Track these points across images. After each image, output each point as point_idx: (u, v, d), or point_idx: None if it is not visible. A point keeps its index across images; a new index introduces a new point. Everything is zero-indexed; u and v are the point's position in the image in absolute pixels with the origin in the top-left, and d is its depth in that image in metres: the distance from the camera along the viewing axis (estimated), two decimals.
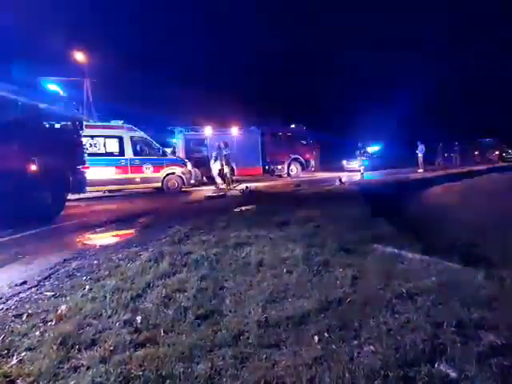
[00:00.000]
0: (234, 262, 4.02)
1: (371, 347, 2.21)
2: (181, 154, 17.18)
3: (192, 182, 14.50)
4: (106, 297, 3.10)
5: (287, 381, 1.96)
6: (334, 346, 2.25)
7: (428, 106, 37.25)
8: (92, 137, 12.48)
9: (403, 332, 2.36)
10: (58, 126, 8.32)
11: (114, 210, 9.33)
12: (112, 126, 13.57)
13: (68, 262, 4.42)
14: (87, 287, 3.40)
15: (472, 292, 2.91)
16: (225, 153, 14.02)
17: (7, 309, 3.06)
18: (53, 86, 9.47)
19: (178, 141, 18.08)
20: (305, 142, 20.85)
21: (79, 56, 24.56)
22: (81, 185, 8.63)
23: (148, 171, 13.48)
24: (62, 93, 9.43)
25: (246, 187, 12.74)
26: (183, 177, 14.03)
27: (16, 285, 3.64)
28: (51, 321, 2.75)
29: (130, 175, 13.17)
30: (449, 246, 4.77)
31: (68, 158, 8.09)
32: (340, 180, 14.34)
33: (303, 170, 20.72)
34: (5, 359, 2.27)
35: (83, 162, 8.87)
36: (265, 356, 2.19)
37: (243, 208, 8.00)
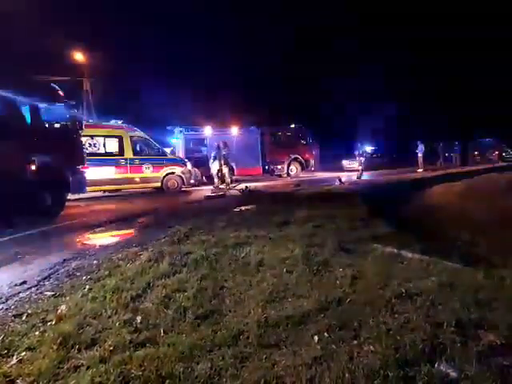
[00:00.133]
0: (234, 261, 4.02)
1: (371, 347, 2.20)
2: (181, 153, 17.18)
3: (192, 181, 14.48)
4: (105, 297, 3.10)
5: (287, 381, 1.96)
6: (333, 346, 2.25)
7: (427, 106, 37.26)
8: (92, 136, 12.48)
9: (403, 332, 2.36)
10: (57, 125, 8.31)
11: (113, 210, 9.32)
12: (112, 125, 13.55)
13: (68, 261, 4.41)
14: (87, 287, 3.40)
15: (472, 292, 2.91)
16: (224, 153, 14.02)
17: (7, 309, 3.06)
18: (52, 86, 9.46)
19: (178, 140, 18.09)
20: (304, 142, 20.84)
21: (79, 56, 24.59)
22: (80, 185, 8.62)
23: (148, 171, 13.45)
24: (61, 93, 9.42)
25: (246, 187, 12.73)
26: (183, 176, 14.01)
27: (16, 285, 3.64)
28: (51, 321, 2.75)
29: (129, 175, 13.13)
30: (449, 245, 4.78)
31: (68, 157, 8.09)
32: (340, 180, 14.36)
33: (303, 169, 20.72)
34: (5, 359, 2.27)
35: (83, 162, 8.87)
36: (265, 356, 2.19)
37: (243, 208, 8.00)
